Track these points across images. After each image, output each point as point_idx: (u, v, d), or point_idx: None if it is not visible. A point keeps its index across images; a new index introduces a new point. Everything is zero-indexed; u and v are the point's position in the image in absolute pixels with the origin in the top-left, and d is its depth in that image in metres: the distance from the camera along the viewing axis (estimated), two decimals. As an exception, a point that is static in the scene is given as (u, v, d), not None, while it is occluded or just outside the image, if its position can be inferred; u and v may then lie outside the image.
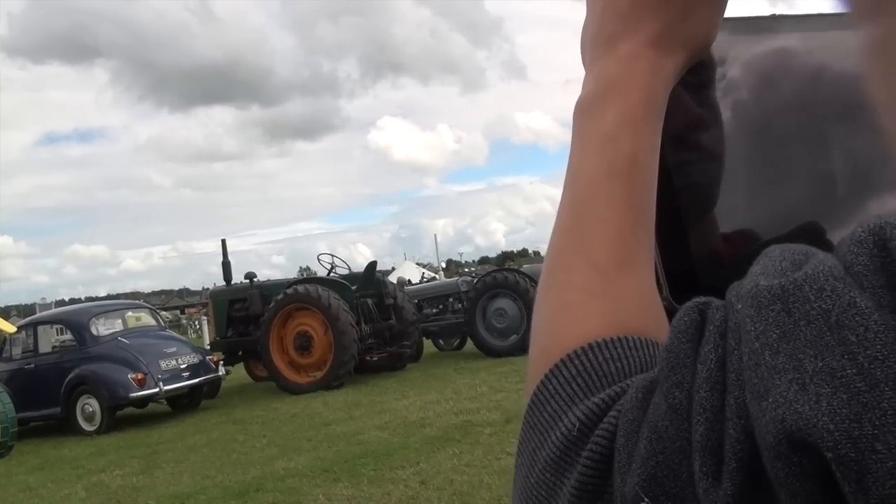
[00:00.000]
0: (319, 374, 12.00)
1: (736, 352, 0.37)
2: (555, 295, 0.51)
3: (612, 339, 0.47)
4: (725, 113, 0.58)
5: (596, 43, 0.56)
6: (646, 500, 0.38)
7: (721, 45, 0.58)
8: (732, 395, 0.36)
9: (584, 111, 0.55)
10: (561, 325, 0.49)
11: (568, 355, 0.47)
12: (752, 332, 0.36)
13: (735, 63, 0.59)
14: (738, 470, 0.35)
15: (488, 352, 13.24)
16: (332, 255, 13.85)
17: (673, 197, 0.56)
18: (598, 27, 0.57)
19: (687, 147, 0.57)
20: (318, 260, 13.71)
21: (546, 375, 0.47)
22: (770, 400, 0.34)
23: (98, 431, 10.59)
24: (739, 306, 0.37)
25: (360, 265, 13.70)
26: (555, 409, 0.46)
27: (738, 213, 0.58)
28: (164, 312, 15.79)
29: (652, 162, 0.53)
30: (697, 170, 0.58)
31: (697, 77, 0.57)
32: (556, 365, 0.47)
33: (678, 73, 0.55)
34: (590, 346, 0.47)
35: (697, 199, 0.57)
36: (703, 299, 0.41)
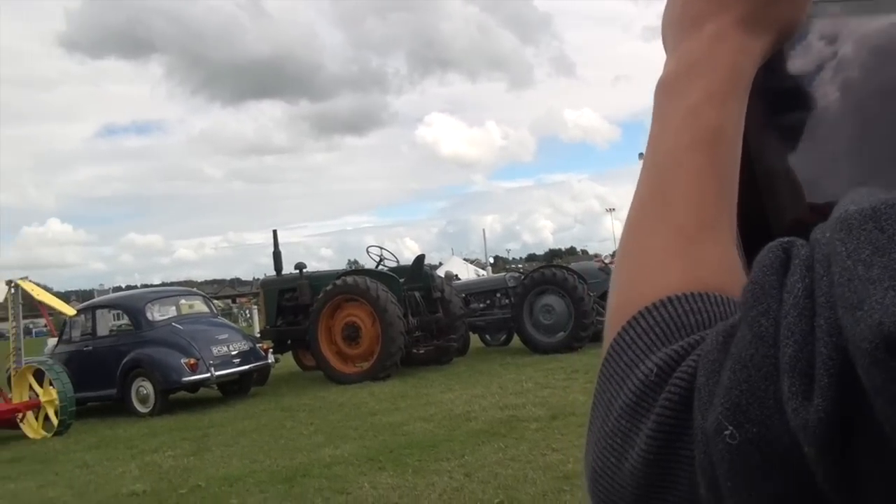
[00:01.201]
0: (366, 365, 12.11)
1: (825, 278, 0.37)
2: (634, 257, 0.51)
3: (692, 294, 0.47)
4: (833, 93, 0.58)
5: (680, 24, 0.56)
6: (730, 428, 0.38)
7: (830, 23, 0.57)
8: (822, 316, 0.36)
9: (667, 90, 0.55)
10: (640, 281, 0.50)
11: (646, 307, 0.47)
12: (843, 253, 0.36)
13: (846, 41, 0.59)
14: (830, 386, 0.35)
15: (535, 348, 13.21)
16: (381, 248, 13.96)
17: (755, 180, 0.56)
18: (681, 9, 0.57)
19: (770, 130, 0.57)
20: (367, 252, 13.84)
21: (623, 327, 0.48)
22: (865, 308, 0.34)
23: (151, 413, 10.85)
24: (828, 234, 0.38)
25: (407, 259, 13.80)
26: (631, 358, 0.46)
27: (837, 190, 0.57)
28: (215, 301, 16.05)
29: (736, 137, 0.53)
30: (779, 153, 0.58)
31: (781, 59, 0.57)
32: (633, 317, 0.48)
33: (765, 55, 0.55)
34: (669, 299, 0.47)
35: (779, 183, 0.57)
36: (786, 238, 0.41)
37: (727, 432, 0.38)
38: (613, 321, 0.49)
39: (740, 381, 0.38)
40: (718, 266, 0.49)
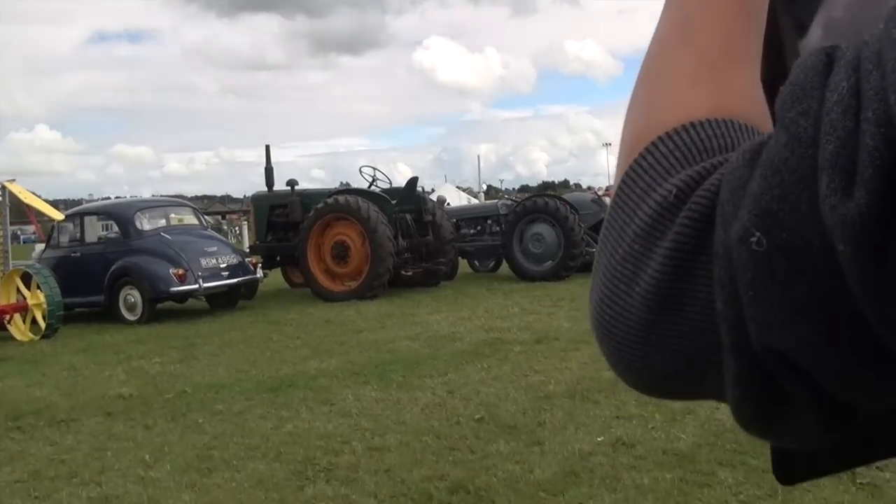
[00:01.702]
0: (354, 284, 12.19)
1: (874, 73, 0.35)
2: (654, 84, 0.49)
3: (715, 119, 0.45)
4: None
5: None
6: (757, 234, 0.37)
7: None
8: (870, 109, 0.34)
9: None
10: (660, 108, 0.48)
11: (667, 132, 0.45)
12: None
13: None
14: (874, 178, 0.33)
15: (522, 275, 13.30)
16: (374, 168, 13.88)
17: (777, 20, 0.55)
18: None
19: None
20: (360, 172, 13.75)
21: (640, 153, 0.46)
22: None
23: (139, 321, 10.93)
24: (881, 27, 0.36)
25: (400, 183, 13.69)
26: (648, 183, 0.44)
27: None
28: (205, 216, 15.99)
29: None
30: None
31: None
32: (652, 142, 0.46)
33: None
34: (691, 123, 0.45)
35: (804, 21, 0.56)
36: (830, 45, 0.39)
37: (754, 239, 0.37)
38: (628, 150, 0.47)
39: (772, 186, 0.37)
40: (744, 95, 0.48)
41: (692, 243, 0.40)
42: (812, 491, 3.67)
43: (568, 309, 9.90)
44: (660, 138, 0.45)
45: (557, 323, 8.85)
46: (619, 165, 0.48)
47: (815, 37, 0.56)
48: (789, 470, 0.51)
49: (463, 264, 15.12)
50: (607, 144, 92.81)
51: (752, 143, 0.40)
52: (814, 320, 0.36)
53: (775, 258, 0.36)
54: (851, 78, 0.36)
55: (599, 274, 0.45)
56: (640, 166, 0.45)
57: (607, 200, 15.28)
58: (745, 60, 0.49)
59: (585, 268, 13.44)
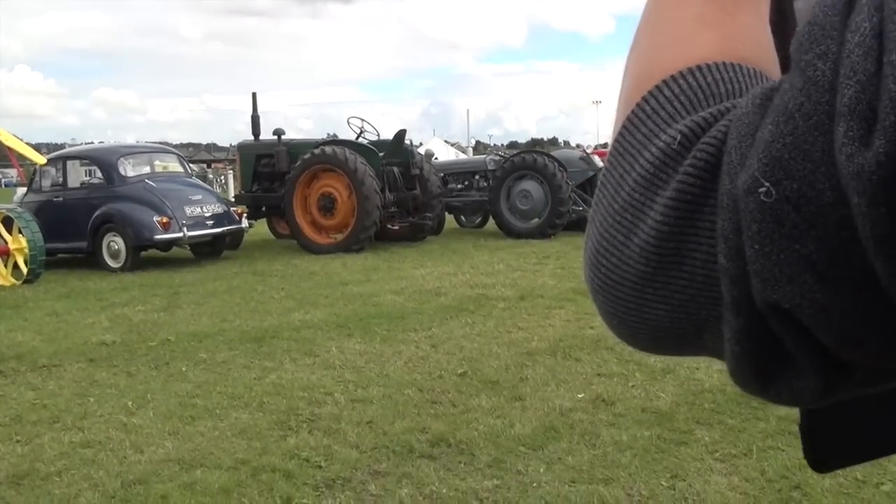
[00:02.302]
0: (340, 237, 12.17)
1: None
2: (657, 27, 0.47)
3: (723, 63, 0.43)
4: None
5: None
6: (766, 185, 0.35)
7: None
8: (895, 51, 0.32)
9: None
10: (664, 51, 0.46)
11: (671, 76, 0.44)
12: None
13: None
14: (895, 126, 0.31)
15: (509, 232, 13.32)
16: (363, 120, 13.74)
17: None
18: None
19: None
20: (348, 122, 13.61)
21: (643, 97, 0.44)
22: None
23: (122, 269, 10.89)
24: None
25: (389, 135, 13.58)
26: (651, 129, 0.42)
27: None
28: (191, 165, 15.84)
29: None
30: None
31: None
32: (656, 86, 0.44)
33: None
34: (698, 66, 0.43)
35: None
36: None
37: (762, 189, 0.35)
38: (630, 96, 0.45)
39: (784, 133, 0.35)
40: (753, 39, 0.46)
41: (696, 193, 0.39)
42: (786, 451, 3.75)
43: (553, 266, 9.94)
44: (664, 82, 0.44)
45: (542, 280, 8.89)
46: (619, 112, 0.46)
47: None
48: (822, 458, 0.50)
49: (450, 219, 15.11)
50: (597, 102, 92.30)
51: (762, 87, 0.39)
52: (821, 276, 0.34)
53: (784, 210, 0.35)
54: (874, 18, 0.34)
55: (596, 223, 0.44)
56: (644, 111, 0.43)
57: (596, 159, 15.18)
58: (753, 1, 0.47)
59: (572, 226, 13.51)
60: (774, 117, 0.36)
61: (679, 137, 0.40)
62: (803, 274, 0.35)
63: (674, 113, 0.42)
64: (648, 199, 0.41)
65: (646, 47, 0.48)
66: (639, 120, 0.43)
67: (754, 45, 0.46)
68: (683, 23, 0.46)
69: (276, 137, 13.28)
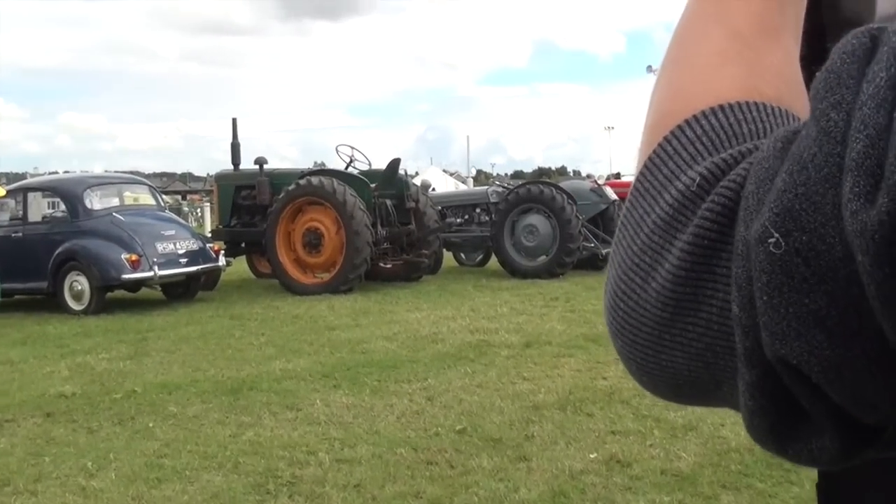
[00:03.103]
0: (327, 276, 12.17)
1: None
2: (681, 64, 0.50)
3: (746, 102, 0.46)
4: None
5: None
6: (775, 235, 0.37)
7: None
8: None
9: None
10: (686, 89, 0.48)
11: (694, 116, 0.46)
12: None
13: None
14: None
15: (513, 271, 13.33)
16: (353, 147, 13.82)
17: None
18: None
19: None
20: (336, 151, 13.67)
21: (665, 137, 0.46)
22: None
23: (86, 312, 10.84)
24: None
25: (381, 165, 13.65)
26: (672, 170, 0.44)
27: None
28: (163, 196, 15.91)
29: None
30: None
31: None
32: (678, 126, 0.46)
33: None
34: (720, 106, 0.46)
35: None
36: (875, 25, 0.39)
37: (772, 240, 0.37)
38: (652, 134, 0.47)
39: (796, 183, 0.37)
40: (779, 76, 0.48)
41: (713, 238, 0.41)
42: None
43: (562, 310, 9.91)
44: (686, 122, 0.46)
45: (550, 325, 8.86)
46: (641, 150, 0.48)
47: (883, 7, 0.57)
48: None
49: (448, 257, 15.12)
50: (609, 128, 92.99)
51: (785, 130, 0.41)
52: (831, 333, 0.36)
53: (793, 263, 0.36)
54: (892, 67, 0.35)
55: (615, 264, 0.46)
56: (665, 151, 0.46)
57: (608, 190, 15.25)
58: (781, 36, 0.49)
59: (583, 264, 13.51)
60: (789, 166, 0.38)
61: (698, 179, 0.43)
62: (812, 329, 0.36)
63: (695, 154, 0.44)
64: (667, 241, 0.43)
65: (669, 82, 0.50)
66: (660, 160, 0.46)
67: (780, 82, 0.48)
68: (707, 58, 0.49)
69: (257, 167, 13.34)
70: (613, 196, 14.46)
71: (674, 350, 0.43)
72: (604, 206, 14.27)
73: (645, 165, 0.47)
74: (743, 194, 0.40)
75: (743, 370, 0.39)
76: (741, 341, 0.39)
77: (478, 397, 6.00)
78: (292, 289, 12.14)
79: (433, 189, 17.33)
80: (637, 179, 0.47)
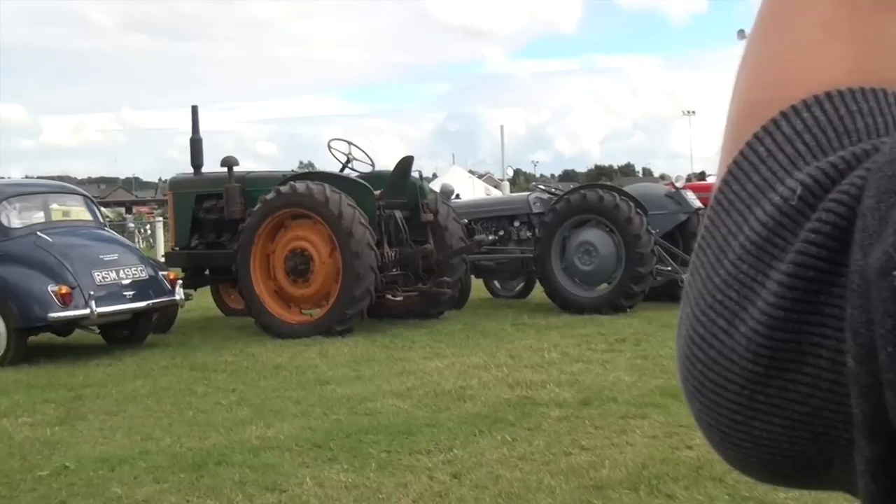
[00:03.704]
0: (318, 313, 12.23)
1: None
2: (777, 36, 0.50)
3: (861, 89, 0.46)
4: None
5: None
6: None
7: None
8: None
9: None
10: (784, 70, 0.48)
11: (793, 106, 0.46)
12: None
13: None
14: None
15: (564, 304, 13.36)
16: (350, 143, 13.88)
17: None
18: None
19: None
20: (329, 147, 13.76)
21: (756, 134, 0.46)
22: None
23: (2, 362, 10.90)
24: None
25: (389, 165, 13.70)
26: (765, 177, 0.45)
27: None
28: (102, 209, 16.04)
29: None
30: None
31: None
32: (772, 120, 0.46)
33: None
34: (827, 94, 0.46)
35: None
36: None
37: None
38: (738, 130, 0.48)
39: None
40: None
41: (821, 268, 0.41)
42: None
43: (630, 355, 9.88)
44: (783, 114, 0.46)
45: (615, 376, 8.82)
46: (724, 150, 0.49)
47: None
48: None
49: (478, 286, 15.12)
50: (689, 113, 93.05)
51: None
52: None
53: None
54: None
55: (692, 301, 0.46)
56: (756, 153, 0.46)
57: (689, 195, 15.26)
58: None
59: (657, 294, 13.48)
60: None
61: (800, 190, 0.43)
62: None
63: (795, 157, 0.45)
64: (760, 272, 0.43)
65: (759, 61, 0.51)
66: (749, 165, 0.46)
67: None
68: (808, 30, 0.49)
69: (225, 169, 13.43)
70: (696, 203, 14.43)
71: (770, 416, 0.43)
72: (683, 217, 14.25)
73: (729, 171, 0.47)
74: (859, 210, 0.40)
75: (862, 443, 0.39)
76: (859, 405, 0.39)
77: (520, 473, 5.97)
78: (272, 329, 12.17)
79: (457, 196, 17.38)
80: (719, 189, 0.47)
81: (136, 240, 33.67)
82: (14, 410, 8.48)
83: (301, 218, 12.22)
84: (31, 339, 11.43)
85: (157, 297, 11.97)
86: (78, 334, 12.15)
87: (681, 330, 0.47)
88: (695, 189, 16.11)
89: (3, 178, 20.94)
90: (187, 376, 9.82)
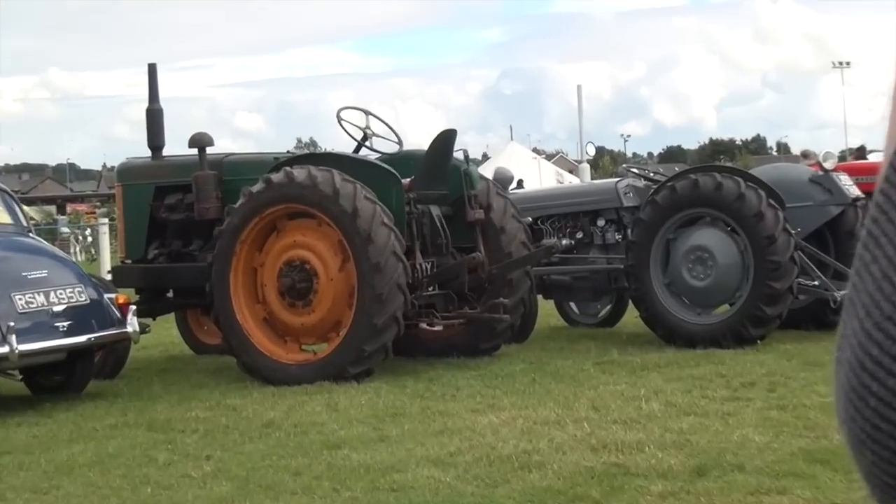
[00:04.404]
0: (325, 350, 12.27)
1: None
2: None
3: None
4: None
5: None
6: None
7: None
8: None
9: None
10: None
11: None
12: None
13: None
14: None
15: (669, 335, 13.36)
16: (368, 113, 13.89)
17: None
18: None
19: None
20: (339, 120, 13.77)
21: None
22: None
23: None
24: None
25: (418, 143, 13.73)
26: None
27: None
28: (25, 208, 16.13)
29: None
30: None
31: None
32: None
33: None
34: None
35: None
36: None
37: None
38: None
39: None
40: None
41: None
42: None
43: (762, 405, 9.83)
44: None
45: (740, 435, 8.75)
46: (894, 119, 0.50)
47: None
48: None
49: (547, 310, 15.07)
50: (840, 64, 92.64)
51: None
52: None
53: None
54: None
55: (859, 314, 0.47)
56: None
57: (844, 180, 15.28)
58: None
59: (798, 319, 13.39)
60: None
61: None
62: None
63: None
64: None
65: None
66: None
67: None
68: None
69: (195, 152, 13.48)
70: (854, 191, 14.28)
71: None
72: (836, 211, 14.11)
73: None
74: None
75: None
76: None
77: (610, 572, 5.95)
78: (262, 373, 12.20)
79: (518, 185, 17.38)
80: (886, 179, 0.48)
81: (73, 250, 33.97)
82: None
83: (300, 217, 12.28)
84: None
85: (101, 329, 12.02)
86: (-7, 381, 12.24)
87: (843, 354, 0.48)
88: (851, 171, 15.96)
89: None
90: (144, 439, 9.86)
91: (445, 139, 13.42)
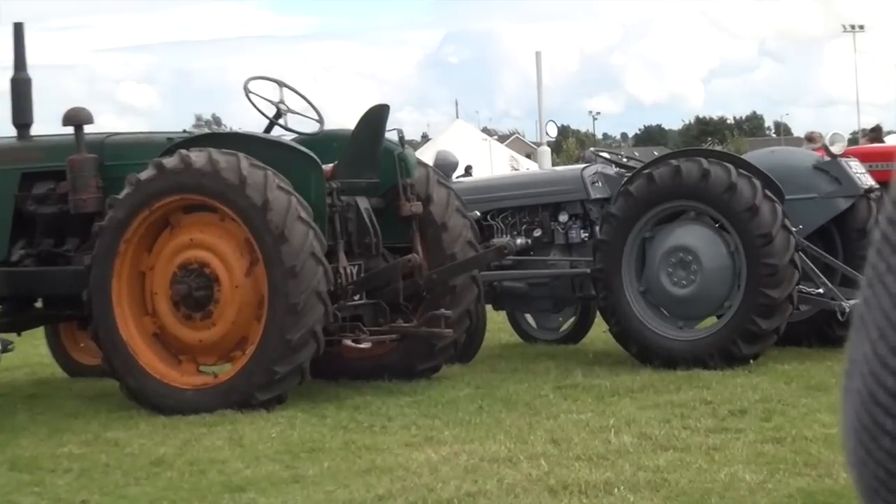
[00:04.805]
0: (228, 371, 12.28)
1: None
2: None
3: None
4: None
5: None
6: None
7: None
8: None
9: None
10: None
11: None
12: None
13: None
14: None
15: (645, 353, 13.49)
16: (282, 85, 13.90)
17: None
18: None
19: None
20: (246, 92, 13.76)
21: None
22: None
23: None
24: None
25: (342, 122, 13.76)
26: None
27: None
28: None
29: None
30: None
31: None
32: None
33: None
34: None
35: None
36: None
37: None
38: None
39: None
40: None
41: None
42: None
43: (754, 437, 9.91)
44: None
45: (728, 473, 8.81)
46: None
47: None
48: None
49: (498, 323, 15.13)
50: (852, 28, 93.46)
51: None
52: None
53: None
54: None
55: (871, 335, 0.48)
56: None
57: (855, 166, 15.38)
58: None
59: (798, 333, 13.51)
60: None
61: None
62: None
63: None
64: None
65: None
66: None
67: None
68: None
69: (70, 130, 13.43)
70: (867, 181, 14.37)
71: None
72: (845, 204, 14.21)
73: None
74: None
75: None
76: None
77: None
78: (151, 399, 12.18)
79: (465, 173, 17.39)
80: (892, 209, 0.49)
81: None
82: None
83: (199, 211, 12.29)
84: None
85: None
86: None
87: (853, 383, 0.49)
88: (864, 156, 16.04)
89: None
90: (6, 480, 9.83)
91: (376, 117, 13.45)
